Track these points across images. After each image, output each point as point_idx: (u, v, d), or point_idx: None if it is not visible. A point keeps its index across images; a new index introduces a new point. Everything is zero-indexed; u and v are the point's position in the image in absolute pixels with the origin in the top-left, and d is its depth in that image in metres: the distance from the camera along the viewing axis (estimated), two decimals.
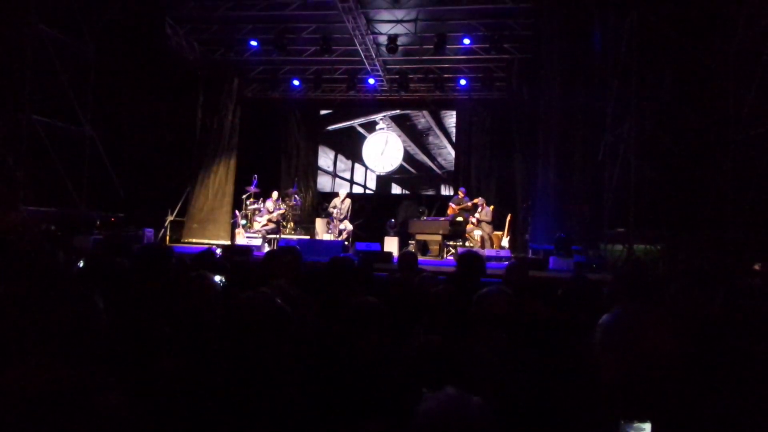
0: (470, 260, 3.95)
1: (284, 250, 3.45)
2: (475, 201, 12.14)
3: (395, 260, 9.70)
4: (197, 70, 14.60)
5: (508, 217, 12.30)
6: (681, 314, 1.99)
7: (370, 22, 13.11)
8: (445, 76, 15.01)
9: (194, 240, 13.64)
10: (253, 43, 13.98)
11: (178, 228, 13.94)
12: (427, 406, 0.98)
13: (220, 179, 14.61)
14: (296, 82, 15.71)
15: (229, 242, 13.02)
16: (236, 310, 1.39)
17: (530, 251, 11.45)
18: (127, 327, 1.75)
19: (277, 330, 1.37)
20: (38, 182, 9.83)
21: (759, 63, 7.55)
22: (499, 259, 10.14)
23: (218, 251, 7.50)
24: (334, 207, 12.63)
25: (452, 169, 15.90)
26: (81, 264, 5.32)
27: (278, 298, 1.62)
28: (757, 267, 4.64)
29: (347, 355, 1.61)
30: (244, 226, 12.50)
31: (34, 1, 9.59)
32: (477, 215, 11.84)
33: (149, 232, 11.49)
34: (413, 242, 11.92)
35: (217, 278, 3.21)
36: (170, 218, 13.16)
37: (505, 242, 12.13)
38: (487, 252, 10.30)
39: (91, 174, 10.90)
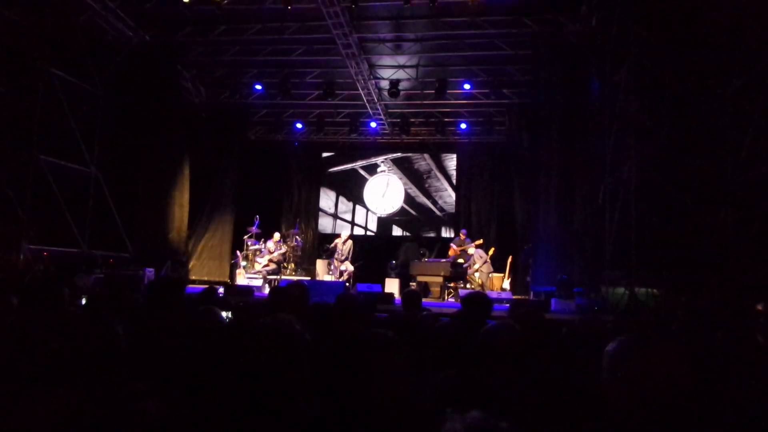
0: (477, 301, 3.96)
1: (292, 286, 3.49)
2: (476, 243, 12.22)
3: (397, 301, 9.68)
4: (202, 112, 14.87)
5: (509, 259, 12.33)
6: (684, 347, 2.01)
7: (372, 67, 13.44)
8: (446, 119, 15.29)
9: (195, 278, 13.62)
10: (258, 87, 14.29)
11: (178, 268, 13.93)
12: (453, 427, 1.00)
13: (222, 219, 14.71)
14: (299, 125, 15.99)
15: (228, 281, 13.01)
16: (255, 334, 1.43)
17: (532, 293, 11.43)
18: (145, 350, 1.79)
19: (295, 353, 1.40)
20: (41, 221, 9.90)
21: (755, 107, 7.71)
22: (500, 301, 10.13)
23: (221, 290, 7.50)
24: (336, 248, 12.67)
25: (453, 211, 16.01)
26: (83, 301, 5.35)
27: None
28: (759, 307, 4.66)
29: (362, 384, 1.63)
30: (244, 267, 12.50)
31: (48, 45, 9.85)
32: (475, 264, 11.94)
33: (150, 271, 11.48)
34: (414, 284, 11.91)
35: (223, 314, 3.24)
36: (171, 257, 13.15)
37: (506, 284, 12.13)
38: (488, 294, 10.29)
39: (94, 214, 10.98)
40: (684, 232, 8.86)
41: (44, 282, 4.02)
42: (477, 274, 11.93)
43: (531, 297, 11.28)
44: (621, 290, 9.68)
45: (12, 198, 9.29)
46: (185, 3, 10.77)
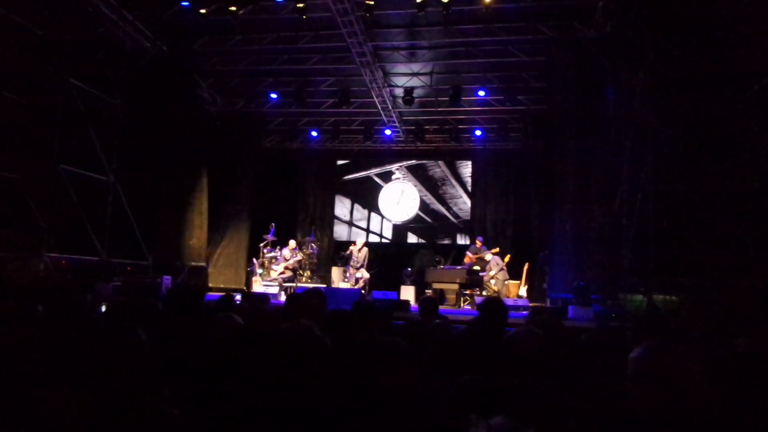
0: (493, 307, 3.94)
1: (309, 293, 3.50)
2: (493, 251, 12.19)
3: (412, 308, 9.67)
4: (218, 121, 15.02)
5: (525, 266, 12.27)
6: (707, 353, 2.00)
7: (387, 75, 13.49)
8: (460, 126, 15.28)
9: (211, 285, 13.71)
10: (273, 95, 14.40)
11: (195, 275, 14.03)
12: None
13: (238, 227, 14.81)
14: (314, 133, 16.06)
15: (245, 288, 13.09)
16: (276, 339, 1.44)
17: (548, 300, 11.35)
18: (167, 356, 1.82)
19: (316, 358, 1.42)
20: (61, 230, 10.04)
21: None
22: (516, 308, 10.07)
23: (238, 297, 7.54)
24: (351, 256, 12.70)
25: (468, 218, 15.97)
26: (103, 308, 5.41)
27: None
28: None
29: (376, 389, 1.63)
30: (261, 275, 12.57)
31: (67, 56, 10.03)
32: (491, 270, 11.91)
33: (167, 279, 11.58)
34: (430, 291, 11.89)
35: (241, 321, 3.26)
36: (189, 265, 13.26)
37: (522, 291, 12.06)
38: (505, 301, 10.23)
39: (112, 222, 11.11)
40: (702, 237, 8.76)
41: (67, 289, 4.09)
42: (493, 281, 11.88)
43: (548, 304, 11.20)
44: (638, 297, 9.59)
45: (33, 207, 9.44)
46: (202, 13, 10.89)
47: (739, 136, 8.59)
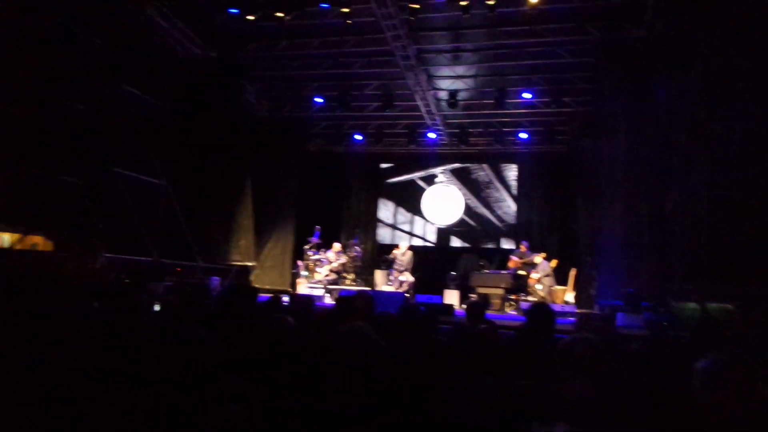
0: (541, 313, 3.89)
1: (358, 296, 3.53)
2: (542, 255, 12.00)
3: (457, 313, 9.62)
4: (265, 125, 15.30)
5: (573, 272, 12.03)
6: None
7: (430, 78, 13.48)
8: (505, 129, 15.10)
9: (257, 286, 13.94)
10: (319, 100, 14.57)
11: (242, 276, 14.30)
12: None
13: (284, 229, 15.04)
14: (358, 137, 16.16)
15: (290, 290, 13.27)
16: (337, 340, 1.47)
17: (597, 307, 11.11)
18: (226, 355, 1.87)
19: (373, 359, 1.44)
20: (116, 231, 10.39)
21: None
22: (564, 314, 9.89)
23: (285, 299, 7.65)
24: (395, 259, 12.73)
25: (513, 222, 15.77)
26: (156, 307, 5.57)
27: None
28: None
29: (428, 392, 1.64)
30: (305, 277, 12.72)
31: (122, 64, 10.40)
32: (536, 273, 11.71)
33: (215, 280, 11.84)
34: (474, 295, 11.80)
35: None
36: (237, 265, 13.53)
37: (569, 297, 11.84)
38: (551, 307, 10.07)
39: (164, 224, 11.45)
40: (758, 243, 8.43)
41: (124, 288, 4.23)
42: (539, 286, 11.70)
43: (596, 310, 10.97)
44: (692, 305, 9.28)
45: (90, 209, 9.81)
46: (250, 19, 11.13)
47: None
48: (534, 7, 10.22)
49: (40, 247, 9.58)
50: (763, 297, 8.19)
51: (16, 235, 9.45)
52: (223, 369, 1.63)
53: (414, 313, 3.51)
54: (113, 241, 10.30)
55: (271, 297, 5.09)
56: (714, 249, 8.86)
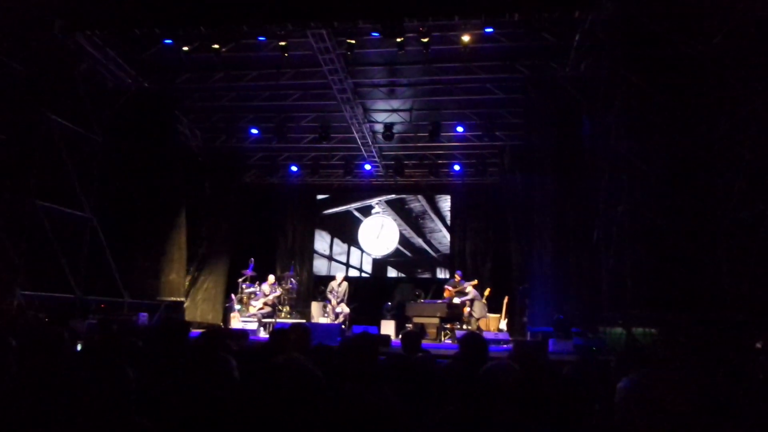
0: (473, 342, 3.96)
1: (294, 328, 3.48)
2: (472, 283, 12.21)
3: (393, 343, 9.60)
4: (199, 156, 15.01)
5: (505, 300, 12.30)
6: (690, 383, 2.03)
7: (366, 111, 13.68)
8: (440, 161, 15.47)
9: (188, 320, 13.47)
10: (254, 131, 14.47)
11: (172, 312, 13.78)
12: None
13: (217, 262, 14.68)
14: (294, 168, 16.11)
15: (221, 324, 12.90)
16: (271, 372, 1.44)
17: (529, 334, 11.37)
18: (154, 393, 1.79)
19: (310, 390, 1.42)
20: (35, 266, 9.83)
21: (744, 148, 7.84)
22: (497, 342, 10.07)
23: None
24: (331, 290, 12.64)
25: (448, 251, 16.03)
26: (79, 347, 5.30)
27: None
28: (758, 345, 4.66)
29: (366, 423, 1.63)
30: (239, 310, 12.41)
31: (48, 92, 9.99)
32: (467, 299, 11.92)
33: (143, 316, 11.36)
34: (410, 325, 11.84)
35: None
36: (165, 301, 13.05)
37: (503, 325, 12.07)
38: (485, 335, 10.23)
39: (89, 259, 10.92)
40: (679, 271, 8.89)
41: (44, 326, 4.00)
42: (474, 314, 11.87)
43: (528, 337, 11.22)
44: (618, 330, 9.64)
45: (7, 243, 9.26)
46: (184, 51, 10.99)
47: (712, 171, 8.79)
48: (466, 45, 10.63)
49: None
50: (684, 321, 8.61)
51: None
52: (149, 409, 1.57)
53: (355, 346, 3.47)
54: (32, 277, 9.74)
55: (204, 332, 4.92)
56: (637, 277, 9.27)
